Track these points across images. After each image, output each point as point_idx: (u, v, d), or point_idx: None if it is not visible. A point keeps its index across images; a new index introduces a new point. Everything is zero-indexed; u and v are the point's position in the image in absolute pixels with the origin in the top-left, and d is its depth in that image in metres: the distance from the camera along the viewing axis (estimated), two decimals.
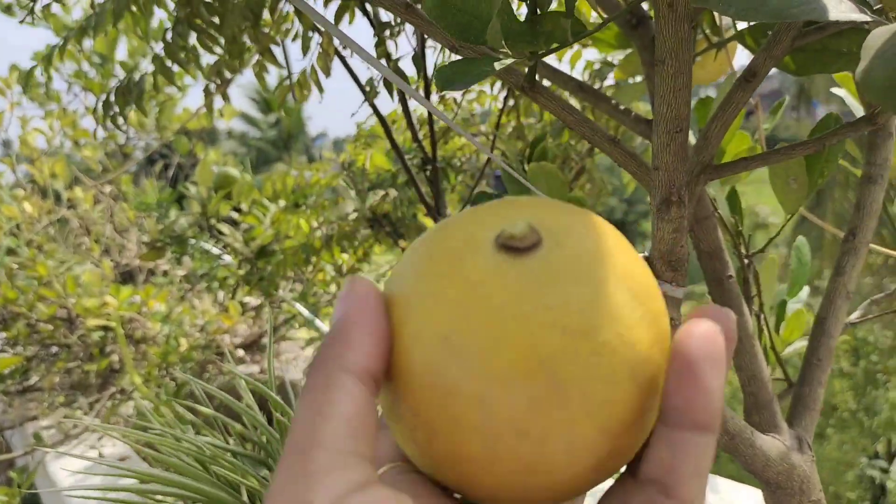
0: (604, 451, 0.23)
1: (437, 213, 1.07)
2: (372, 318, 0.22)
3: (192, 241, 1.44)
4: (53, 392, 1.71)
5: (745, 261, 0.67)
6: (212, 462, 0.67)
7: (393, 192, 1.13)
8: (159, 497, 0.71)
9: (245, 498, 0.69)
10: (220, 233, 1.43)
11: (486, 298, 0.22)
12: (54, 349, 1.76)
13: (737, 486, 1.08)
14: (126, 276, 1.88)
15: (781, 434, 0.61)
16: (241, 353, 1.66)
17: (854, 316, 0.71)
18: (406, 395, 0.23)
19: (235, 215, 1.54)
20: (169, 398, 0.78)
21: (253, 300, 1.74)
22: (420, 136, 1.12)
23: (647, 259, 0.56)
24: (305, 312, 1.45)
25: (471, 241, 0.24)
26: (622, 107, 0.69)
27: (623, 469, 0.25)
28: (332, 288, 1.59)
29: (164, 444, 0.68)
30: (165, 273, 1.84)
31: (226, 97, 1.02)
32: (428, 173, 1.08)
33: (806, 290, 0.82)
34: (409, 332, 0.23)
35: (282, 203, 1.36)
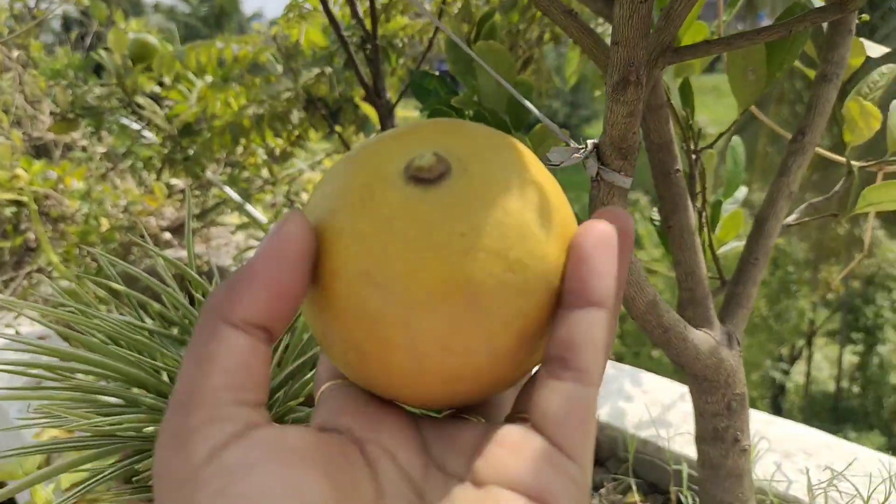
0: (522, 353, 0.25)
1: (376, 96, 1.02)
2: (276, 266, 0.22)
3: (109, 114, 1.33)
4: None
5: (693, 156, 0.65)
6: (128, 340, 0.63)
7: (328, 70, 1.05)
8: (76, 375, 0.68)
9: (165, 378, 0.66)
10: (140, 107, 1.33)
11: (401, 232, 0.23)
12: None
13: (659, 379, 1.12)
14: (40, 151, 1.75)
15: (713, 329, 0.62)
16: (167, 236, 1.59)
17: (791, 218, 0.71)
18: (334, 323, 0.24)
19: (159, 90, 1.43)
20: (88, 277, 0.74)
21: (180, 182, 1.65)
22: (360, 12, 1.04)
23: (596, 146, 0.53)
24: (235, 196, 1.38)
25: (380, 174, 0.24)
26: None
27: None
28: (265, 172, 1.52)
29: (77, 322, 0.64)
30: (84, 149, 1.72)
31: None
32: (367, 52, 1.02)
33: (743, 190, 0.82)
34: (329, 267, 0.23)
35: (209, 79, 1.26)
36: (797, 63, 0.68)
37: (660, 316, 0.56)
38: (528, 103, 0.59)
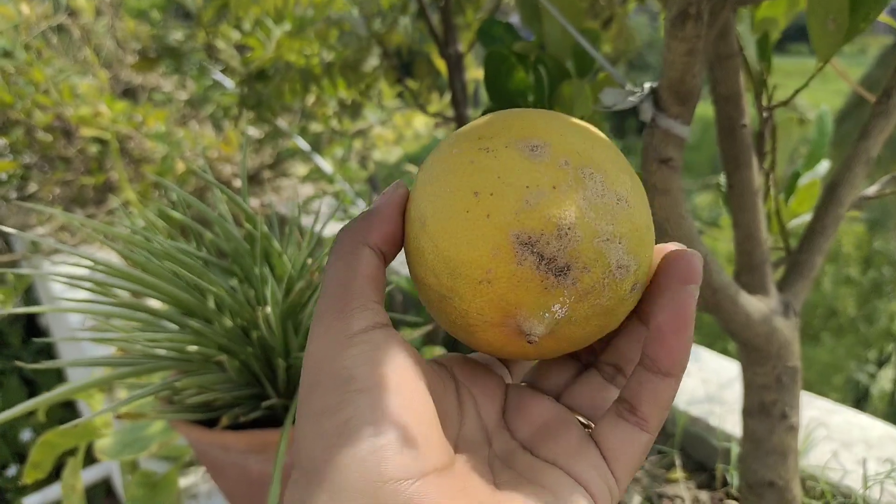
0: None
1: (445, 46, 1.00)
2: (393, 213, 0.29)
3: (189, 56, 1.36)
4: (52, 203, 1.71)
5: (764, 114, 0.61)
6: (180, 266, 0.65)
7: (404, 20, 1.04)
8: (125, 293, 0.70)
9: (211, 304, 0.68)
10: (218, 50, 1.35)
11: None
12: (54, 161, 1.74)
13: (718, 357, 1.08)
14: (127, 94, 1.82)
15: (769, 297, 0.58)
16: (238, 183, 1.63)
17: (872, 189, 0.66)
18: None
19: (238, 36, 1.45)
20: (156, 207, 0.76)
21: (256, 132, 1.68)
22: None
23: (653, 90, 0.51)
24: (304, 146, 1.39)
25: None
26: None
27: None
28: (335, 124, 1.53)
29: (139, 244, 0.66)
30: (168, 95, 1.78)
31: None
32: (440, 2, 1.00)
33: (825, 164, 0.77)
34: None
35: (287, 26, 1.26)
36: (887, 18, 0.63)
37: (709, 275, 0.53)
38: (589, 47, 0.56)
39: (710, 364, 1.04)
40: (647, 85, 0.50)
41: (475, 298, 0.28)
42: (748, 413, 0.61)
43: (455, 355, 0.33)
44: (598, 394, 0.32)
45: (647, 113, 0.49)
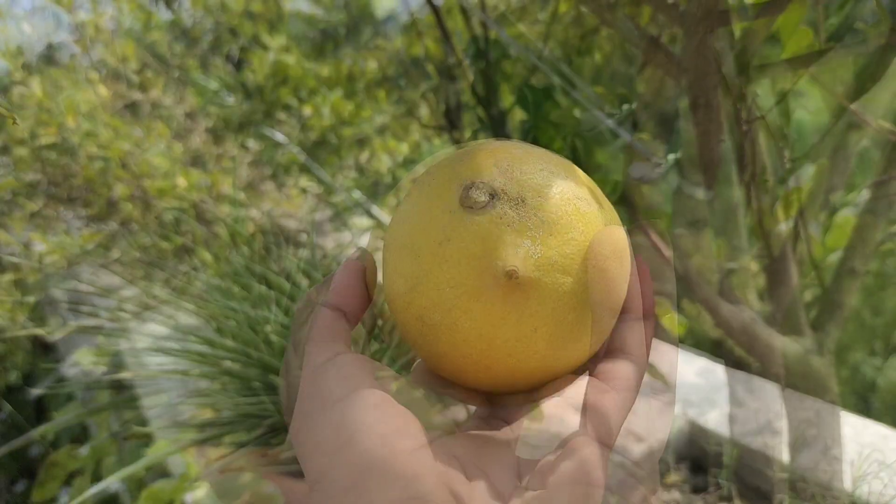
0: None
1: (487, 104, 1.07)
2: (354, 279, 0.33)
3: (255, 127, 1.48)
4: (134, 267, 1.83)
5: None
6: (263, 332, 0.72)
7: (436, 82, 1.11)
8: (224, 361, 0.78)
9: None
10: (279, 121, 1.47)
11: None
12: (134, 228, 1.87)
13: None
14: (196, 160, 1.96)
15: (803, 336, 0.63)
16: (304, 237, 1.73)
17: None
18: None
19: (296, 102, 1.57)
20: (231, 276, 0.85)
21: (315, 187, 1.79)
22: (474, 26, 1.09)
23: (677, 161, 0.56)
24: (361, 198, 1.48)
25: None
26: None
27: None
28: (388, 178, 1.62)
29: (218, 313, 0.74)
30: (233, 159, 1.91)
31: None
32: (481, 65, 1.07)
33: (864, 193, 0.78)
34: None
35: (339, 91, 1.37)
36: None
37: (743, 324, 0.58)
38: (614, 125, 0.62)
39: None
40: (671, 157, 0.56)
41: (442, 265, 0.27)
42: (793, 446, 0.65)
43: (423, 372, 0.34)
44: None
45: (672, 182, 0.55)
